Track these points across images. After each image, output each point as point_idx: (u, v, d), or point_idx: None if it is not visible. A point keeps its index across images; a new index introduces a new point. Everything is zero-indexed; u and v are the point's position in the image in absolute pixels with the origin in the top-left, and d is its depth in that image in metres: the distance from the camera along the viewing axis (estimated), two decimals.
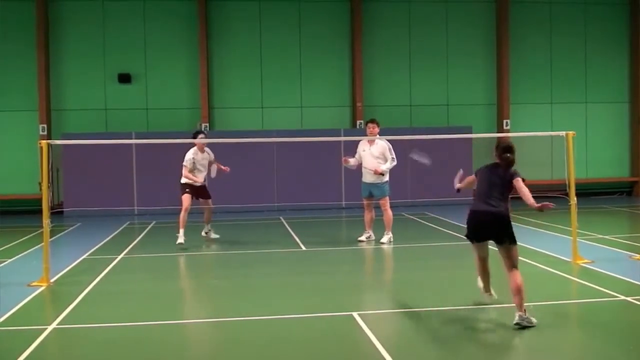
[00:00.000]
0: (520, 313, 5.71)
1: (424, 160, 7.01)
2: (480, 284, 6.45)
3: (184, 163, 10.83)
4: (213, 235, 11.53)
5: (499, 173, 6.00)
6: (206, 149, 11.14)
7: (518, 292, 5.74)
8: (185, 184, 10.84)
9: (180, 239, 10.45)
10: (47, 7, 17.16)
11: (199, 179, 10.95)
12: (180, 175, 10.91)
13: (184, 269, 9.57)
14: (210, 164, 11.26)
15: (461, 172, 6.80)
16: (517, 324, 5.69)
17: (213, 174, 11.41)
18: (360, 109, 17.92)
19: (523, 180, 6.00)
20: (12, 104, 17.21)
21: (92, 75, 17.46)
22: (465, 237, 6.29)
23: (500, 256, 5.95)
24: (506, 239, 5.84)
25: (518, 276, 5.81)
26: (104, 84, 17.53)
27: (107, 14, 17.52)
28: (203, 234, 11.50)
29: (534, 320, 5.74)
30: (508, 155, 5.99)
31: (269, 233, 12.93)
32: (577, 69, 19.10)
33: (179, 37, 17.75)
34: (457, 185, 6.67)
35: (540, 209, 5.85)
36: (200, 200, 11.22)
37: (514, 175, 5.98)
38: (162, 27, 17.70)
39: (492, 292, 6.44)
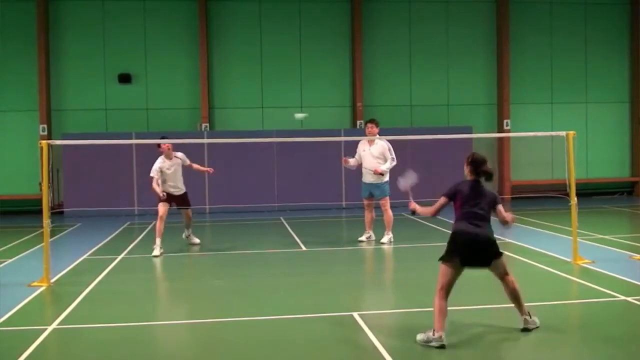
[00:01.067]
0: (525, 317, 5.70)
1: (411, 180, 6.66)
2: (437, 337, 5.35)
3: (151, 174, 10.09)
4: (194, 240, 10.97)
5: (484, 195, 5.62)
6: (177, 154, 10.39)
7: (516, 296, 5.71)
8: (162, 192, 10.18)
9: (156, 251, 9.91)
10: (47, 7, 17.16)
11: (172, 190, 10.23)
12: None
13: (183, 269, 9.56)
14: (185, 168, 10.55)
15: (410, 188, 6.38)
16: (524, 329, 5.67)
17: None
18: (360, 109, 17.92)
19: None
20: (12, 104, 17.22)
21: (92, 75, 17.46)
22: (441, 259, 5.66)
23: (491, 271, 5.75)
24: (495, 258, 5.63)
25: (512, 281, 5.72)
26: (104, 84, 17.53)
27: (107, 14, 17.52)
28: (184, 236, 11.06)
29: (537, 320, 5.75)
30: (486, 168, 5.61)
31: (269, 233, 12.92)
32: (577, 69, 19.11)
33: (179, 37, 17.75)
34: (418, 208, 5.94)
35: (512, 221, 5.72)
36: (181, 210, 10.62)
37: (498, 201, 5.71)
38: (162, 27, 17.71)
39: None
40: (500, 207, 5.69)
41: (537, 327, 5.70)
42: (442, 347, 5.28)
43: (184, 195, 10.53)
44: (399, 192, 8.19)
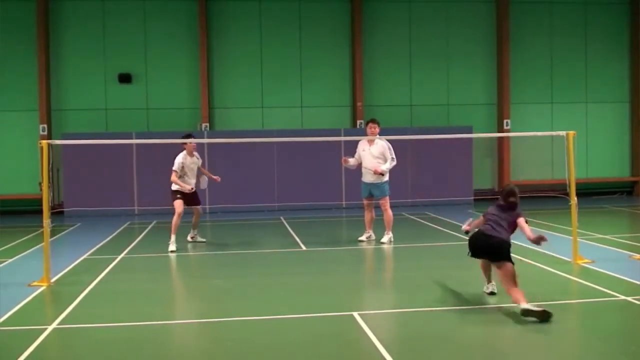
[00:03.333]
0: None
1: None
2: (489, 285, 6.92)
3: (174, 168, 10.43)
4: (199, 239, 11.20)
5: (507, 213, 6.57)
6: (195, 153, 10.75)
7: (513, 280, 6.21)
8: (176, 191, 10.50)
9: (172, 246, 10.20)
10: (47, 7, 17.17)
11: (187, 186, 10.50)
12: (170, 180, 10.54)
13: (184, 269, 9.56)
14: (199, 169, 10.91)
15: (470, 219, 7.21)
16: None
17: (203, 185, 11.08)
18: (360, 108, 17.92)
19: (526, 221, 6.55)
20: (13, 104, 17.22)
21: (92, 75, 17.47)
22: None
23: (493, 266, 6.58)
24: (504, 260, 6.30)
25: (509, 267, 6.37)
26: (104, 84, 17.54)
27: (107, 13, 17.52)
28: (189, 238, 11.17)
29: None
30: (513, 199, 6.54)
31: (269, 233, 12.92)
32: (577, 68, 19.11)
33: (179, 37, 17.76)
34: (467, 228, 7.05)
35: (537, 242, 6.29)
36: (192, 206, 10.83)
37: (519, 215, 6.56)
38: (162, 26, 17.71)
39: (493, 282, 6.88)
40: (520, 220, 6.49)
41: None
42: (492, 294, 6.80)
43: (195, 193, 10.80)
44: (399, 192, 8.21)
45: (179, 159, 10.51)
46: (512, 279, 6.14)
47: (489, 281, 6.88)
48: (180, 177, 10.48)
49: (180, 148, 10.83)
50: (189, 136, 10.61)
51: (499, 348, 5.43)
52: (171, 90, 17.74)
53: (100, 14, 17.50)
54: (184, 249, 10.64)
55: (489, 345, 5.46)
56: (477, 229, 6.67)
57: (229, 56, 17.93)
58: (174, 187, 10.53)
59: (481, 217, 6.79)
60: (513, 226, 6.56)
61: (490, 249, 6.37)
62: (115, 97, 17.55)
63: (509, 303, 6.33)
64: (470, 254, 6.63)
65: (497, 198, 6.86)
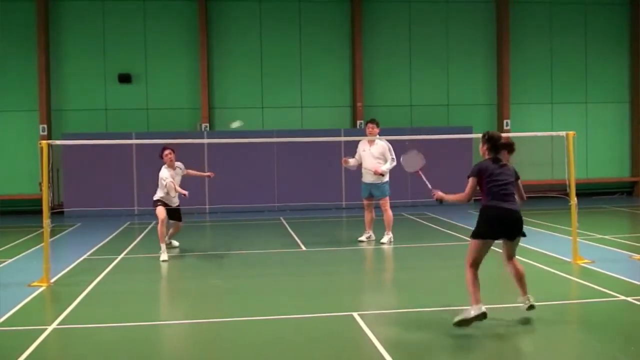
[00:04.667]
0: (528, 296, 6.02)
1: (417, 160, 6.74)
2: (476, 308, 5.62)
3: (166, 181, 9.82)
4: (173, 243, 10.80)
5: (507, 170, 5.92)
6: (177, 163, 10.19)
7: (522, 276, 6.04)
8: (158, 200, 10.04)
9: (164, 256, 9.67)
10: (47, 7, 17.16)
11: (175, 200, 10.13)
12: (153, 192, 10.17)
13: (183, 269, 9.55)
14: (184, 176, 10.39)
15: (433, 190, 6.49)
16: (530, 307, 5.99)
17: (176, 202, 10.30)
18: (360, 109, 17.92)
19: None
20: (12, 104, 17.22)
21: (92, 75, 17.47)
22: (474, 236, 5.83)
23: (505, 250, 6.06)
24: (520, 234, 5.97)
25: (517, 262, 6.11)
26: (104, 84, 17.54)
27: (107, 14, 17.52)
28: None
29: (531, 300, 6.07)
30: (506, 141, 5.96)
31: (269, 233, 12.92)
32: (577, 69, 19.11)
33: (179, 37, 17.76)
34: (445, 196, 6.23)
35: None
36: (170, 222, 10.40)
37: (518, 175, 6.05)
38: (162, 27, 17.71)
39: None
40: (519, 182, 6.03)
41: (533, 307, 5.98)
42: (484, 316, 5.55)
43: (178, 208, 10.37)
44: (399, 192, 8.19)
45: (165, 173, 9.94)
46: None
47: (477, 301, 5.67)
48: (166, 192, 9.95)
49: (186, 147, 10.32)
50: (164, 149, 10.02)
51: (499, 348, 5.43)
52: (171, 90, 17.74)
53: (100, 14, 17.50)
54: (183, 250, 10.64)
55: (489, 345, 5.46)
56: (492, 202, 5.77)
57: (229, 56, 17.93)
58: (156, 196, 10.09)
59: (471, 181, 5.85)
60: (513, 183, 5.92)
61: (516, 226, 5.81)
62: (115, 97, 17.55)
63: (510, 303, 6.33)
64: (489, 235, 5.74)
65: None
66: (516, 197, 6.00)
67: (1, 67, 17.12)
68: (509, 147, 5.97)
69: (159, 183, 10.06)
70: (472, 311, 5.59)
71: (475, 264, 5.81)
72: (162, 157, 10.02)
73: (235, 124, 10.09)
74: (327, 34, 18.26)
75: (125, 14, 17.58)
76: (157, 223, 10.00)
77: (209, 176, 10.92)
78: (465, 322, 5.61)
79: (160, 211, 9.93)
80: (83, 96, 17.49)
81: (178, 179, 10.20)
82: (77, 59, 17.44)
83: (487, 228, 5.78)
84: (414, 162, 7.22)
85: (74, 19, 17.46)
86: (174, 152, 10.07)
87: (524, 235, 5.98)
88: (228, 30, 17.91)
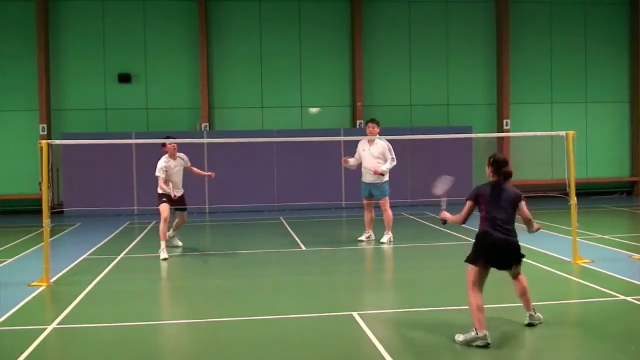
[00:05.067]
0: (531, 312, 5.85)
1: (446, 186, 6.61)
2: (481, 335, 5.35)
3: (157, 174, 9.85)
4: (176, 243, 10.73)
5: (507, 196, 5.69)
6: (180, 154, 10.21)
7: (526, 293, 5.88)
8: (162, 194, 9.95)
9: (164, 254, 9.66)
10: (47, 7, 17.17)
11: (175, 192, 10.00)
12: (156, 185, 10.06)
13: (183, 269, 9.55)
14: (186, 170, 10.41)
15: (444, 201, 6.32)
16: (529, 324, 5.81)
17: (178, 193, 10.19)
18: (360, 109, 17.92)
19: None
20: (12, 104, 17.22)
21: (92, 75, 17.47)
22: (467, 261, 5.71)
23: (509, 273, 5.89)
24: (518, 263, 5.82)
25: (524, 279, 5.93)
26: (104, 84, 17.54)
27: (107, 14, 17.52)
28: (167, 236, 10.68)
29: (541, 317, 5.90)
30: (507, 169, 5.73)
31: (269, 233, 12.92)
32: (577, 69, 19.12)
33: (179, 37, 17.76)
34: (449, 217, 6.05)
35: (537, 230, 5.97)
36: (176, 212, 10.37)
37: (521, 198, 5.79)
38: (162, 27, 17.71)
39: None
40: (523, 204, 5.79)
41: (541, 323, 5.84)
42: (486, 346, 5.28)
43: (183, 197, 10.35)
44: (399, 192, 8.19)
45: (161, 163, 9.91)
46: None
47: (481, 328, 5.37)
48: (166, 182, 9.93)
49: (186, 147, 10.47)
50: (168, 138, 10.08)
51: (499, 348, 5.42)
52: (171, 90, 17.74)
53: (100, 14, 17.50)
54: (182, 250, 10.64)
55: (490, 346, 5.45)
56: (485, 230, 5.66)
57: (229, 56, 17.93)
58: (160, 190, 10.02)
59: (469, 205, 5.80)
60: (515, 213, 5.74)
61: (511, 256, 5.70)
62: (115, 97, 17.55)
63: (510, 303, 6.33)
64: (477, 261, 5.61)
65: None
66: (523, 221, 5.86)
67: (1, 67, 17.13)
68: (507, 176, 5.75)
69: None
70: (479, 341, 5.34)
71: (476, 288, 5.60)
72: (164, 147, 9.99)
73: (314, 110, 10.11)
74: (327, 34, 18.26)
75: (125, 14, 17.58)
76: (157, 222, 9.99)
77: (210, 176, 10.91)
78: (467, 344, 5.42)
79: (164, 209, 9.88)
80: (83, 96, 17.49)
81: (180, 169, 10.23)
82: (77, 59, 17.45)
83: (479, 255, 5.65)
84: (445, 187, 6.98)
85: (74, 19, 17.46)
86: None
87: (523, 256, 5.81)
88: (228, 30, 17.92)
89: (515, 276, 5.90)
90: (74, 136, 15.82)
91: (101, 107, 17.54)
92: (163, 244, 9.81)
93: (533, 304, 5.92)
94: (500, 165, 5.72)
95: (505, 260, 5.69)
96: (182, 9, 17.77)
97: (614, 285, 7.30)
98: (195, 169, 10.69)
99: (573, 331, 6.00)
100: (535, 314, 5.88)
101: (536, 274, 8.12)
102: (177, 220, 10.61)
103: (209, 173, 11.00)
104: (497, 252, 5.62)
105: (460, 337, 5.45)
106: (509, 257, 5.69)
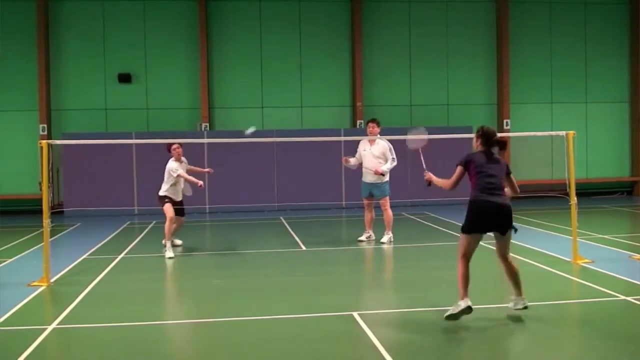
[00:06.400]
0: (524, 297, 6.04)
1: (421, 137, 6.85)
2: (463, 303, 5.72)
3: (176, 173, 9.97)
4: (176, 242, 10.79)
5: (497, 165, 5.92)
6: (182, 158, 10.32)
7: (516, 275, 6.05)
8: (164, 196, 10.10)
9: (169, 253, 9.81)
10: (47, 7, 17.17)
11: (179, 195, 10.24)
12: (158, 187, 10.24)
13: (183, 269, 9.55)
14: (187, 171, 10.46)
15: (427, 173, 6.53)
16: (525, 307, 6.05)
17: (188, 192, 10.52)
18: (360, 108, 17.92)
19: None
20: (12, 104, 17.22)
21: (92, 75, 17.47)
22: (462, 230, 5.93)
23: (498, 247, 6.06)
24: (510, 228, 5.94)
25: (512, 261, 6.11)
26: (104, 84, 17.54)
27: (107, 14, 17.53)
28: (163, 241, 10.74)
29: (526, 303, 6.09)
30: (499, 138, 5.98)
31: (269, 233, 12.92)
32: (577, 68, 19.12)
33: (179, 37, 17.76)
34: (434, 178, 6.35)
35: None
36: (177, 216, 10.35)
37: (509, 170, 6.04)
38: (162, 27, 17.71)
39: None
40: (512, 176, 6.01)
41: (526, 308, 6.04)
42: (469, 309, 5.63)
43: (182, 201, 10.45)
44: (399, 192, 8.18)
45: (174, 164, 10.05)
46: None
47: (464, 296, 5.76)
48: (173, 185, 10.10)
49: (186, 147, 10.51)
50: (172, 144, 10.20)
51: (499, 348, 5.43)
52: (171, 90, 17.74)
53: (100, 14, 17.50)
54: (182, 250, 10.64)
55: (489, 346, 5.46)
56: (479, 195, 5.82)
57: (229, 56, 17.93)
58: (162, 191, 10.14)
59: (459, 170, 5.96)
60: (504, 183, 5.96)
61: (506, 220, 5.79)
62: (115, 97, 17.55)
63: (508, 303, 6.33)
64: (475, 229, 5.81)
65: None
66: (508, 190, 6.02)
67: (1, 67, 17.11)
68: (502, 143, 6.02)
69: (166, 176, 10.16)
70: (461, 304, 5.71)
71: (466, 257, 5.87)
72: (169, 151, 10.18)
73: (250, 130, 10.23)
74: (327, 34, 18.26)
75: (125, 14, 17.58)
76: (158, 222, 10.03)
77: (208, 172, 11.01)
78: (453, 316, 5.72)
79: (168, 209, 10.01)
80: (83, 96, 17.49)
81: (184, 172, 10.32)
82: (77, 58, 17.45)
83: (474, 222, 5.83)
84: (418, 139, 7.31)
85: (74, 19, 17.46)
86: (181, 146, 10.26)
87: (515, 230, 5.97)
88: (228, 30, 17.92)
89: (504, 256, 6.01)
90: (74, 136, 15.82)
91: (101, 107, 17.54)
92: (168, 243, 9.93)
93: (534, 303, 5.95)
94: (490, 136, 5.93)
95: (501, 223, 5.82)
96: (182, 9, 17.77)
97: (614, 285, 7.30)
98: (194, 168, 10.81)
99: (573, 331, 6.01)
100: (523, 300, 6.03)
101: (536, 273, 8.12)
102: (174, 226, 10.55)
103: (207, 169, 11.11)
104: (494, 215, 5.78)
105: (447, 314, 5.74)
106: (504, 220, 5.82)
